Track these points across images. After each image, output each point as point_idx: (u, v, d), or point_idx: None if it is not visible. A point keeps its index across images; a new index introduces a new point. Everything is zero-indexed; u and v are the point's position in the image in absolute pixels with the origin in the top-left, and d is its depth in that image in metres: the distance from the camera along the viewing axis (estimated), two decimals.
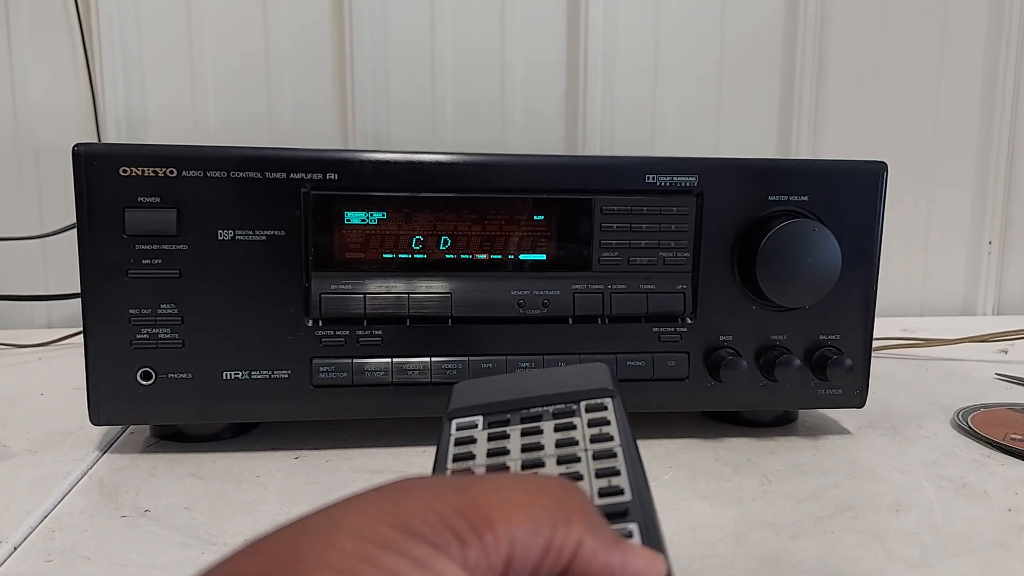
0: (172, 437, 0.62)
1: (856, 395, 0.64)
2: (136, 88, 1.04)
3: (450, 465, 0.35)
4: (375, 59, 1.07)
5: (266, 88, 1.07)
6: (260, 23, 1.05)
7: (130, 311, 0.56)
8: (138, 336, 0.57)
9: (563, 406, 0.39)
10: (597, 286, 0.61)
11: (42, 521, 0.49)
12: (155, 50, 1.04)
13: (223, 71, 1.06)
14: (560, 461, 0.34)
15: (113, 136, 1.03)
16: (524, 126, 1.11)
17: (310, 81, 1.07)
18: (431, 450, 0.61)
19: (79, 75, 1.03)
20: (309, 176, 0.57)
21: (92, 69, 1.02)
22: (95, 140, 1.01)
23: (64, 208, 1.02)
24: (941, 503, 0.53)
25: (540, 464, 0.34)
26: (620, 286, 0.61)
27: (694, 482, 0.57)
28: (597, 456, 0.34)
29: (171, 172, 0.55)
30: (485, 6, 1.08)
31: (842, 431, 0.67)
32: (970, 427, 0.66)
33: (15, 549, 0.46)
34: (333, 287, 0.58)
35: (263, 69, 1.06)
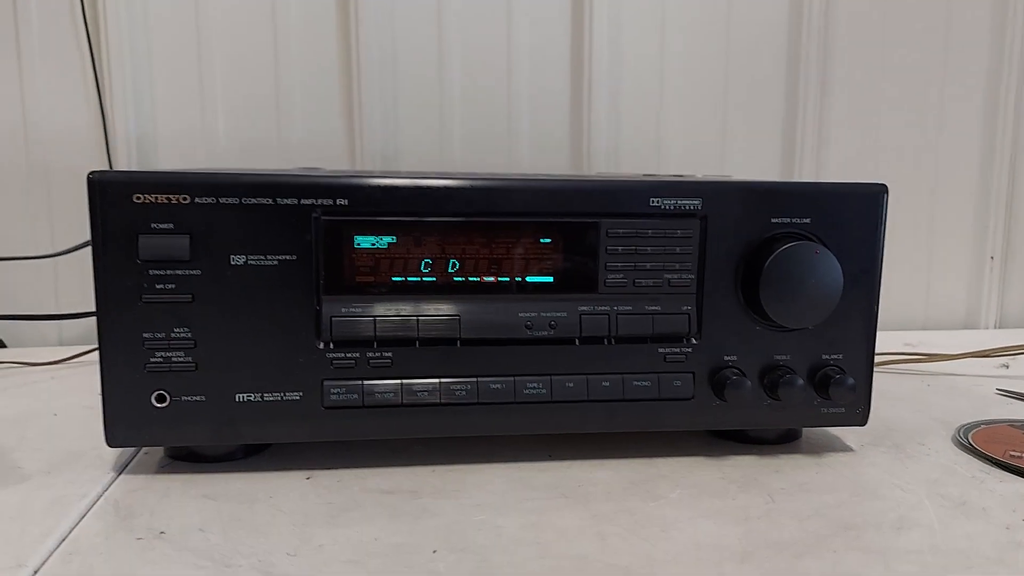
0: (185, 458, 0.63)
1: (858, 413, 0.65)
2: (146, 110, 1.06)
3: None
4: (383, 76, 1.08)
5: (275, 112, 1.08)
6: (270, 45, 1.07)
7: (144, 335, 0.57)
8: (152, 360, 0.58)
9: None
10: (603, 308, 0.62)
11: (60, 544, 0.50)
12: (165, 72, 1.06)
13: (233, 92, 1.07)
14: None
15: (123, 157, 1.04)
16: (531, 125, 1.12)
17: (319, 102, 1.08)
18: (441, 469, 0.62)
19: (89, 97, 1.04)
20: (320, 202, 0.58)
21: (102, 91, 1.04)
22: (105, 161, 1.02)
23: (74, 228, 1.04)
24: (941, 521, 0.54)
25: None
26: (626, 308, 0.62)
27: (699, 501, 0.57)
28: None
29: (184, 199, 0.57)
30: (491, 30, 1.10)
31: (845, 448, 0.68)
32: (971, 444, 0.67)
33: (35, 573, 0.47)
34: (344, 310, 0.60)
35: (272, 90, 1.07)
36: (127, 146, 1.05)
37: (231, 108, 1.07)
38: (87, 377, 0.87)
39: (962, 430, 0.70)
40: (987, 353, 0.95)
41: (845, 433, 0.71)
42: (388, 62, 1.08)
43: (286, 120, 1.08)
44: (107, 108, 1.04)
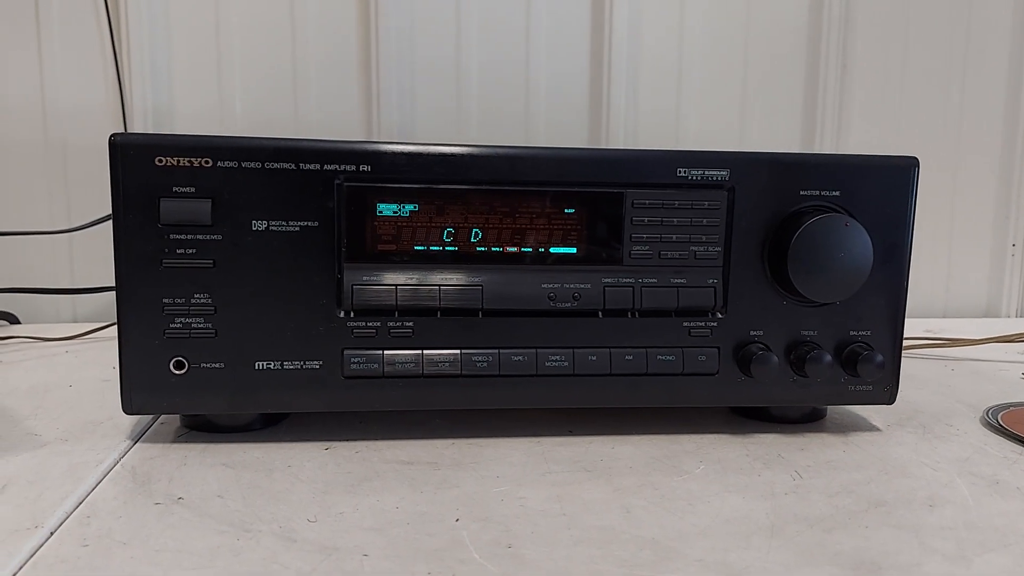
0: (202, 428, 0.62)
1: (887, 391, 0.64)
2: (164, 85, 1.05)
3: None
4: (401, 54, 1.07)
5: (292, 87, 1.07)
6: (287, 23, 1.06)
7: (164, 300, 0.57)
8: (171, 325, 0.57)
9: None
10: (628, 280, 0.61)
11: (77, 507, 0.50)
12: (183, 48, 1.05)
13: (251, 69, 1.06)
14: None
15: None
16: (548, 105, 1.11)
17: (336, 81, 1.08)
18: (460, 442, 0.62)
19: (107, 72, 1.04)
20: (343, 167, 0.57)
21: (120, 66, 1.03)
22: None
23: (91, 203, 1.03)
24: (975, 499, 0.53)
25: None
26: (651, 280, 0.61)
27: (725, 476, 0.56)
28: None
29: (206, 162, 0.56)
30: (510, 8, 1.09)
31: (872, 428, 0.67)
32: (1000, 425, 0.66)
33: (51, 534, 0.46)
34: (365, 278, 0.59)
35: (290, 68, 1.07)
36: (144, 122, 1.04)
37: (248, 86, 1.06)
38: (102, 352, 0.86)
39: (991, 411, 0.69)
40: (1011, 338, 0.94)
41: (870, 414, 0.70)
42: (406, 40, 1.07)
43: (303, 98, 1.08)
44: (125, 84, 1.03)
